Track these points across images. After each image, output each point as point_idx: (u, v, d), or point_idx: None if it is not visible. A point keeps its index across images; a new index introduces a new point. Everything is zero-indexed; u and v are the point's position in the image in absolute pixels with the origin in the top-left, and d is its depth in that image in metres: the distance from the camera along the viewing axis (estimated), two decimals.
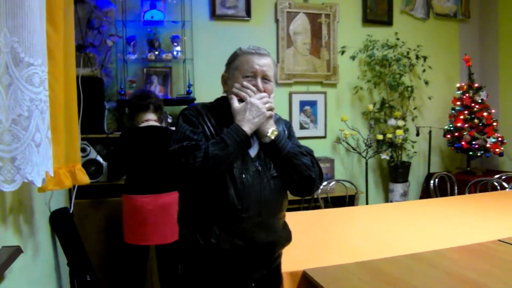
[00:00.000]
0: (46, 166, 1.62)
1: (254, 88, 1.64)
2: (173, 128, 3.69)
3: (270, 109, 1.65)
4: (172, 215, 3.05)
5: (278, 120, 1.78)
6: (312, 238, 2.41)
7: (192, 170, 1.48)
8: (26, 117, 1.46)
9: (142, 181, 3.08)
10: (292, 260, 1.91)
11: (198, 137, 1.58)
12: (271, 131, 1.64)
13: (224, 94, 1.78)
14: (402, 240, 2.35)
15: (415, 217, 2.92)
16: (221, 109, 1.71)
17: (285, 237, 1.75)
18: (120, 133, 3.38)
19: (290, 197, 1.79)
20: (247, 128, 1.58)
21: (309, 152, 1.73)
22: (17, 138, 1.43)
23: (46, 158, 1.61)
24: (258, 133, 1.65)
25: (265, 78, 1.68)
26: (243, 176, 1.60)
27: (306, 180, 1.68)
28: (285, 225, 1.78)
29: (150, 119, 3.19)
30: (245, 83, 1.65)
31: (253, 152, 1.67)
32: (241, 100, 1.64)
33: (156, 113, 3.24)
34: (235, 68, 1.68)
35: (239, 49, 1.71)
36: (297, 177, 1.67)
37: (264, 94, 1.65)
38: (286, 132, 1.78)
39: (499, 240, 2.23)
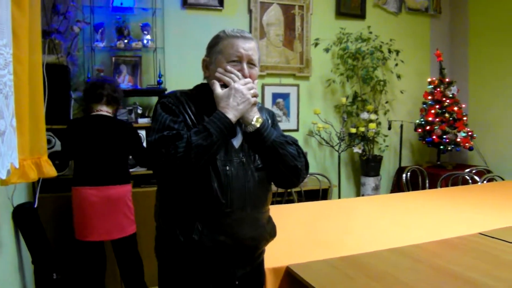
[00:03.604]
0: (11, 157, 1.49)
1: (238, 73, 1.54)
2: (125, 119, 3.60)
3: (255, 95, 1.56)
4: (119, 210, 2.95)
5: (261, 109, 1.68)
6: (293, 233, 2.34)
7: (174, 161, 1.38)
8: None
9: (88, 172, 2.94)
10: (274, 255, 1.84)
11: (179, 126, 1.47)
12: (256, 118, 1.55)
13: (204, 81, 1.68)
14: (383, 235, 2.32)
15: (393, 211, 2.90)
16: (201, 96, 1.60)
17: (270, 232, 1.68)
18: None
19: None
20: (232, 115, 1.48)
21: (294, 142, 1.65)
22: None
23: (10, 148, 1.47)
24: (242, 121, 1.56)
25: (250, 63, 1.58)
26: (227, 168, 1.50)
27: (292, 170, 1.60)
28: (269, 219, 1.70)
29: (102, 110, 3.05)
30: (229, 67, 1.55)
31: (236, 142, 1.57)
32: (224, 85, 1.55)
33: (110, 105, 3.09)
34: (219, 52, 1.58)
35: (222, 32, 1.61)
36: (283, 168, 1.59)
37: (248, 79, 1.55)
38: (269, 121, 1.70)
39: (479, 233, 2.21)
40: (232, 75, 1.54)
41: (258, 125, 1.55)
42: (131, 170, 3.23)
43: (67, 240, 3.25)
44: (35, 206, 2.76)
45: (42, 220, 2.79)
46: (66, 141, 3.01)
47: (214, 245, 1.50)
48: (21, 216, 2.55)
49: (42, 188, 2.98)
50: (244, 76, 1.56)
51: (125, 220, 3.00)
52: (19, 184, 2.50)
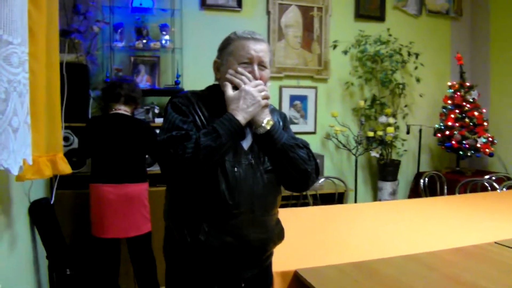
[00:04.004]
0: (24, 154, 1.51)
1: (249, 75, 1.54)
2: (142, 118, 3.63)
3: (266, 97, 1.55)
4: (136, 207, 2.99)
5: (272, 111, 1.67)
6: (303, 236, 2.32)
7: (182, 161, 1.37)
8: (3, 100, 1.34)
9: (105, 170, 2.99)
10: (283, 259, 1.82)
11: (188, 127, 1.47)
12: (266, 121, 1.54)
13: (216, 82, 1.67)
14: (396, 241, 2.28)
15: (408, 216, 2.85)
16: (212, 97, 1.60)
17: (278, 234, 1.66)
18: None
19: None
20: (241, 117, 1.48)
21: (305, 145, 1.63)
22: None
23: (24, 145, 1.49)
24: (252, 123, 1.55)
25: (261, 65, 1.58)
26: (235, 169, 1.49)
27: (302, 174, 1.59)
28: (278, 222, 1.69)
29: (120, 109, 3.09)
30: (239, 69, 1.54)
31: (246, 144, 1.56)
32: (235, 87, 1.54)
33: (128, 105, 3.13)
34: (229, 53, 1.57)
35: (233, 34, 1.61)
36: (293, 171, 1.58)
37: (259, 81, 1.55)
38: (281, 123, 1.69)
39: (495, 243, 2.17)
40: (243, 77, 1.53)
41: (268, 127, 1.54)
42: (147, 169, 3.25)
43: (82, 236, 3.29)
44: (52, 202, 2.80)
45: (58, 216, 2.82)
46: (84, 139, 3.06)
47: (220, 246, 1.49)
48: (37, 212, 2.58)
49: (59, 184, 3.02)
50: (255, 78, 1.55)
51: (141, 219, 3.03)
52: (37, 180, 2.53)
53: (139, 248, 3.10)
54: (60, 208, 3.15)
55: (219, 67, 1.63)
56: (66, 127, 3.11)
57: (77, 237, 3.32)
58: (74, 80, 3.10)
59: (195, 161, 1.38)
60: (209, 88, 1.68)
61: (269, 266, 1.71)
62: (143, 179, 3.08)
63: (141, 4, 3.96)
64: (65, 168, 2.31)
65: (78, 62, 3.52)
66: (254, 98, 1.50)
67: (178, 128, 1.46)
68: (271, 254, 1.70)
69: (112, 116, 3.06)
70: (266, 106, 1.56)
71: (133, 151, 3.03)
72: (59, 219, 2.82)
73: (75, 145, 3.40)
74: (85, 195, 3.23)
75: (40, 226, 2.61)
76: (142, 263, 3.12)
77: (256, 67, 1.56)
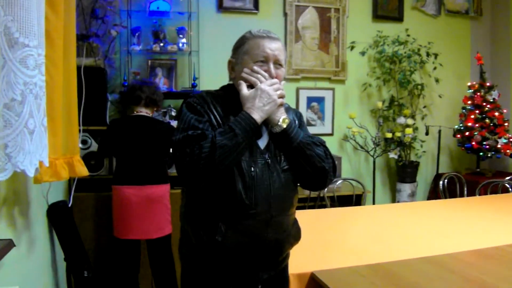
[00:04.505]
0: (41, 156, 1.52)
1: (265, 74, 1.53)
2: (166, 121, 3.65)
3: (281, 96, 1.54)
4: (159, 209, 3.00)
5: (287, 109, 1.66)
6: (320, 238, 2.30)
7: (198, 161, 1.37)
8: (19, 102, 1.35)
9: (127, 172, 3.01)
10: (299, 261, 1.81)
11: (204, 126, 1.46)
12: (282, 119, 1.53)
13: (230, 82, 1.67)
14: (414, 243, 2.25)
15: (427, 218, 2.81)
16: (227, 97, 1.60)
17: (294, 235, 1.65)
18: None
19: None
20: (257, 116, 1.47)
21: (321, 143, 1.62)
22: (9, 124, 1.33)
23: (40, 147, 1.50)
24: (268, 122, 1.54)
25: (277, 63, 1.57)
26: (252, 169, 1.48)
27: (319, 172, 1.57)
28: (295, 222, 1.67)
29: (142, 111, 3.12)
30: (255, 67, 1.53)
31: (262, 143, 1.55)
32: (250, 86, 1.53)
33: (149, 107, 3.16)
34: (245, 52, 1.57)
35: (248, 33, 1.60)
36: (310, 169, 1.56)
37: (275, 80, 1.54)
38: (296, 121, 1.67)
39: None
40: (259, 76, 1.52)
41: (284, 126, 1.53)
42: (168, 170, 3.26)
43: (100, 239, 3.32)
44: (70, 205, 2.83)
45: (76, 219, 2.85)
46: (104, 141, 3.09)
47: (237, 247, 1.48)
48: (55, 214, 2.61)
49: (77, 187, 3.05)
50: (271, 77, 1.54)
51: (164, 220, 3.04)
52: (55, 183, 2.56)
53: (159, 250, 3.11)
54: (78, 211, 3.18)
55: (234, 66, 1.63)
56: (83, 130, 3.14)
57: (94, 239, 3.34)
58: (92, 84, 3.14)
59: (211, 160, 1.37)
60: (224, 87, 1.67)
61: (285, 268, 1.70)
62: (165, 181, 3.10)
63: (158, 8, 3.98)
64: (82, 170, 2.33)
65: (96, 66, 3.57)
66: (270, 96, 1.49)
67: (194, 127, 1.46)
68: (287, 256, 1.69)
69: (133, 118, 3.09)
70: (281, 105, 1.55)
71: (155, 152, 3.05)
72: (77, 221, 2.85)
73: (93, 148, 3.44)
74: (103, 197, 3.25)
75: (58, 229, 2.64)
76: (161, 265, 3.13)
77: (272, 66, 1.55)
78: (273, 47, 1.55)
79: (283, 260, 1.65)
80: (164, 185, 3.08)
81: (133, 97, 3.10)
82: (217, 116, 1.53)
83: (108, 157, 3.17)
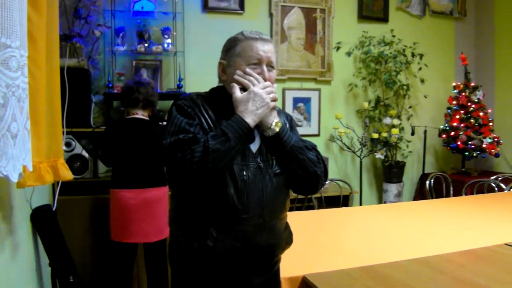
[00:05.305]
0: (24, 160, 1.47)
1: (258, 76, 1.50)
2: (163, 123, 3.59)
3: (274, 99, 1.51)
4: (156, 212, 2.96)
5: (278, 113, 1.63)
6: (311, 240, 2.28)
7: (190, 166, 1.33)
8: (1, 105, 1.30)
9: (125, 175, 2.97)
10: (291, 264, 1.78)
11: (195, 130, 1.43)
12: (275, 122, 1.50)
13: (220, 84, 1.64)
14: (405, 244, 2.24)
15: (416, 219, 2.81)
16: (218, 99, 1.56)
17: (286, 239, 1.62)
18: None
19: None
20: (250, 120, 1.44)
21: (313, 147, 1.60)
22: None
23: (23, 151, 1.45)
24: (260, 125, 1.51)
25: (269, 65, 1.54)
26: (244, 173, 1.45)
27: (311, 177, 1.55)
28: (286, 226, 1.65)
29: (138, 114, 3.07)
30: (248, 70, 1.50)
31: (254, 147, 1.52)
32: (243, 89, 1.50)
33: (146, 109, 3.11)
34: (237, 55, 1.53)
35: (240, 34, 1.56)
36: (302, 174, 1.54)
37: (268, 83, 1.51)
38: (287, 125, 1.65)
39: (506, 244, 2.12)
40: (251, 78, 1.49)
41: (277, 129, 1.50)
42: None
43: (85, 243, 3.26)
44: (54, 209, 2.76)
45: (60, 223, 2.79)
46: (106, 147, 3.05)
47: (229, 252, 1.45)
48: (39, 219, 2.54)
49: (62, 190, 2.99)
50: (265, 79, 1.51)
51: (163, 223, 3.00)
52: (38, 187, 2.49)
53: (156, 253, 3.09)
54: (63, 214, 3.11)
55: (225, 68, 1.59)
56: (67, 133, 3.08)
57: (80, 243, 3.28)
58: (76, 85, 3.07)
59: (203, 165, 1.34)
60: (213, 90, 1.64)
61: (277, 272, 1.67)
62: (163, 183, 3.06)
63: (142, 8, 3.93)
64: (67, 174, 2.27)
65: (79, 67, 3.50)
66: (263, 100, 1.47)
67: (185, 131, 1.42)
68: (279, 260, 1.66)
69: (129, 121, 3.05)
70: (274, 108, 1.52)
71: (152, 155, 3.00)
72: (61, 225, 2.79)
73: (77, 150, 3.38)
74: (88, 201, 3.19)
75: (42, 233, 2.57)
76: (158, 269, 3.09)
77: (265, 68, 1.53)
78: (266, 49, 1.52)
79: (274, 264, 1.62)
80: (163, 187, 3.05)
81: (131, 99, 3.05)
82: (208, 119, 1.49)
83: (114, 162, 3.07)
